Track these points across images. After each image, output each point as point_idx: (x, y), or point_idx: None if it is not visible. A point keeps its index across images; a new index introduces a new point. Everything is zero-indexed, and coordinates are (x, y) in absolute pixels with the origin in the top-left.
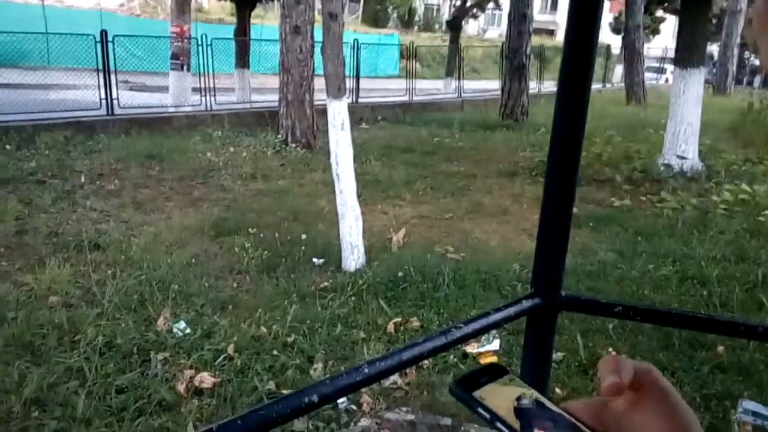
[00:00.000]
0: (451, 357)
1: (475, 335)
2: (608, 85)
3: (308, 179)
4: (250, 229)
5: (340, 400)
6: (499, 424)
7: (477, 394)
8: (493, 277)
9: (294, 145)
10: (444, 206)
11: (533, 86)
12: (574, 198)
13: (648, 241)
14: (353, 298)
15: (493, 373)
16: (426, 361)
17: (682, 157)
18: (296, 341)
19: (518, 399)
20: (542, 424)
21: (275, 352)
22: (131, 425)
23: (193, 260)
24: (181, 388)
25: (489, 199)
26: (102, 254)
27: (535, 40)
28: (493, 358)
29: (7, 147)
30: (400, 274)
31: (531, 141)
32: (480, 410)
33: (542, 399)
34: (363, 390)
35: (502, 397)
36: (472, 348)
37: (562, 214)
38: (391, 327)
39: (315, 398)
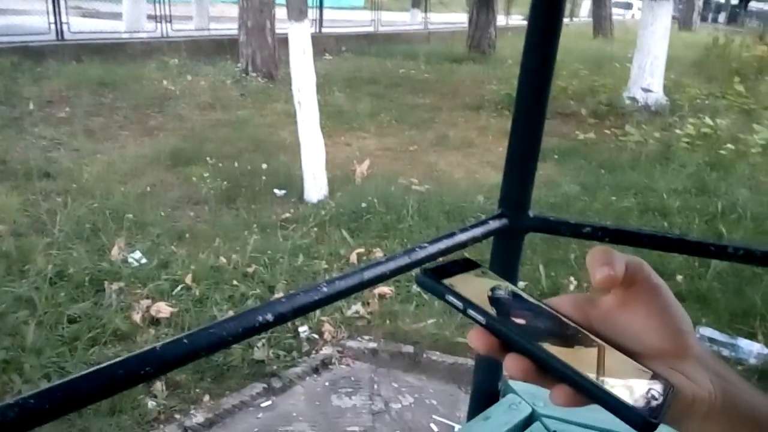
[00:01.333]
0: (414, 286)
1: (440, 255)
2: (575, 20)
3: (269, 109)
4: (208, 159)
5: (301, 329)
6: (471, 311)
7: (447, 281)
8: (458, 209)
9: (254, 75)
10: (408, 138)
11: (501, 19)
12: (545, 118)
13: (611, 173)
14: (315, 229)
15: (465, 266)
16: (388, 290)
17: (648, 90)
18: (257, 272)
19: (493, 290)
20: (520, 313)
21: (235, 282)
22: (84, 354)
23: (149, 190)
24: (137, 317)
25: (454, 132)
26: (52, 183)
27: None
28: None
29: None
30: (363, 205)
31: (498, 74)
32: (450, 297)
33: (519, 291)
34: (324, 318)
35: (474, 287)
36: None
37: (532, 134)
38: (353, 257)
39: (270, 317)
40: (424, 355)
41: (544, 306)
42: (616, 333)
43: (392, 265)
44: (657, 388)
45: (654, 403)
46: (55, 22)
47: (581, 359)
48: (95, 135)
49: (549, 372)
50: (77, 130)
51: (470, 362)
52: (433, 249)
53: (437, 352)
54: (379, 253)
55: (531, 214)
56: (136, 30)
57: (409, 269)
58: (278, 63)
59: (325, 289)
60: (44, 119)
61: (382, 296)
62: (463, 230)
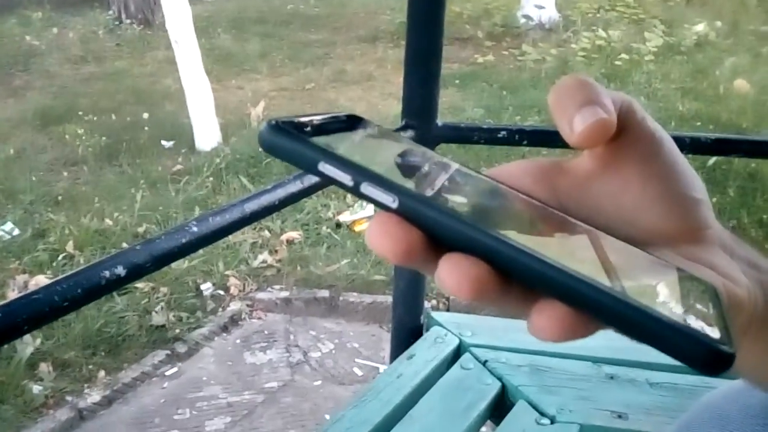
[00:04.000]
0: (324, 228)
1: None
2: None
3: (149, 58)
4: (82, 116)
5: (204, 286)
6: (372, 187)
7: (319, 141)
8: None
9: (129, 22)
10: (304, 77)
11: None
12: (444, 17)
13: (513, 94)
14: (211, 178)
15: (348, 123)
16: (297, 235)
17: (540, 7)
18: (148, 230)
19: (403, 155)
20: (453, 188)
21: (125, 245)
22: None
23: (16, 154)
24: (12, 294)
25: (351, 66)
26: None
27: None
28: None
29: None
30: (259, 150)
31: (391, 4)
32: (327, 165)
33: (443, 158)
34: (229, 273)
35: (370, 151)
36: (345, 217)
37: (432, 30)
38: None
39: (121, 270)
40: (341, 298)
41: (486, 179)
42: (599, 212)
43: (281, 192)
44: (695, 291)
45: (704, 319)
46: None
47: (571, 256)
48: None
49: (523, 281)
50: None
51: (390, 299)
52: None
53: (354, 293)
54: None
55: (439, 123)
56: None
57: (303, 196)
58: (154, 8)
59: (195, 229)
60: None
61: (290, 242)
62: None
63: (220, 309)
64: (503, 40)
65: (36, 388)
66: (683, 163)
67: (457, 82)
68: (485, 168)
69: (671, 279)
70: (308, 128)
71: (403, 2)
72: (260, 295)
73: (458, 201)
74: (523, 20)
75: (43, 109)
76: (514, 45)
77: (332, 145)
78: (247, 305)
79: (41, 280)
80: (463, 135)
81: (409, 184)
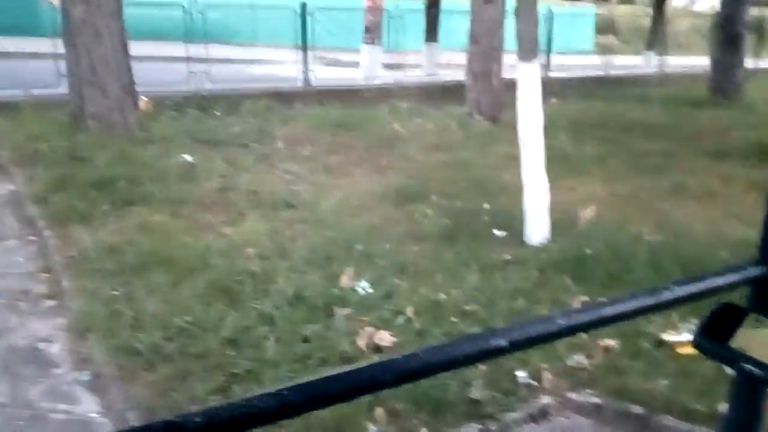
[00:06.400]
0: (643, 342)
1: (687, 300)
2: None
3: (492, 152)
4: (433, 197)
5: (519, 373)
6: None
7: (735, 344)
8: (696, 263)
9: (479, 118)
10: (639, 185)
11: (749, 61)
12: None
13: None
14: (535, 272)
15: (734, 314)
16: (614, 343)
17: None
18: (475, 310)
19: None
20: None
21: (453, 319)
22: (314, 372)
23: (376, 224)
24: (361, 343)
25: (693, 180)
26: (294, 213)
27: (754, 11)
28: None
29: (217, 113)
30: (587, 251)
31: (746, 120)
32: (748, 367)
33: None
34: (544, 366)
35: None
36: (669, 336)
37: None
38: (577, 304)
39: (503, 342)
40: (656, 419)
41: None
42: None
43: (634, 304)
44: None
45: None
46: (304, 71)
47: None
48: (332, 171)
49: None
50: (317, 167)
51: None
52: (680, 292)
53: (671, 417)
54: None
55: None
56: (371, 77)
57: (652, 311)
58: (502, 107)
59: (560, 321)
60: (290, 156)
61: (606, 349)
62: (715, 275)
63: (532, 398)
64: None
65: (372, 428)
66: None
67: None
68: None
69: None
70: (719, 328)
71: (761, 120)
72: (571, 395)
73: None
74: None
75: (400, 187)
76: None
77: (741, 345)
78: (558, 401)
79: (385, 336)
80: None
81: None
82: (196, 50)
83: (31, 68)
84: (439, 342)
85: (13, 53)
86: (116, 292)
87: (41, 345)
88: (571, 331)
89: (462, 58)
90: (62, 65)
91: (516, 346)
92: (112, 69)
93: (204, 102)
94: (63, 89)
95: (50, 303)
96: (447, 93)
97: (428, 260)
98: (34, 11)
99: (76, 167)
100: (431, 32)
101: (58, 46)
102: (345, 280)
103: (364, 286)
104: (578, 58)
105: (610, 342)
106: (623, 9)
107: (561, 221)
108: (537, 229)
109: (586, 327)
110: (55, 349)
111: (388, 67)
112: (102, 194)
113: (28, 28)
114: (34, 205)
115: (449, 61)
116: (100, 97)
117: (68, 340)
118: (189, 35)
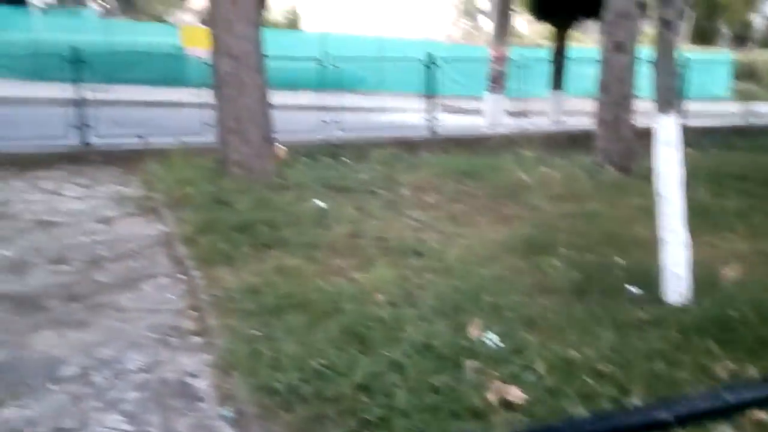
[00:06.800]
0: None
1: None
2: None
3: (622, 204)
4: (561, 249)
5: None
6: None
7: None
8: None
9: (609, 168)
10: None
11: None
12: None
13: None
14: (676, 334)
15: None
16: (765, 417)
17: None
18: (611, 371)
19: None
20: None
21: (586, 379)
22: (445, 425)
23: (503, 274)
24: (491, 398)
25: None
26: (420, 260)
27: None
28: None
29: (346, 161)
30: (732, 314)
31: None
32: None
33: None
34: None
35: None
36: None
37: None
38: (722, 372)
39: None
40: None
41: None
42: None
43: None
44: None
45: None
46: (429, 119)
47: None
48: (457, 219)
49: None
50: (442, 215)
51: None
52: None
53: None
54: (752, 372)
55: None
56: (496, 125)
57: None
58: (633, 156)
59: (727, 397)
60: (416, 203)
61: (759, 423)
62: None
63: None
64: None
65: None
66: None
67: None
68: None
69: None
70: None
71: None
72: None
73: None
74: None
75: (527, 238)
76: None
77: None
78: None
79: (515, 392)
80: None
81: None
82: (328, 100)
83: (178, 117)
84: (602, 412)
85: (163, 102)
86: (257, 332)
87: (189, 380)
88: (740, 407)
89: (588, 105)
90: (206, 114)
91: (681, 421)
92: (254, 119)
93: (335, 150)
94: (206, 137)
95: (197, 339)
96: (573, 141)
97: (558, 315)
98: (181, 64)
99: (220, 211)
100: (557, 80)
101: (203, 96)
102: (473, 331)
103: (492, 339)
104: (714, 105)
105: (762, 415)
106: (765, 54)
107: (702, 280)
108: (676, 287)
109: (759, 403)
110: (201, 384)
111: (513, 114)
112: (243, 237)
113: (175, 79)
114: (183, 246)
115: (575, 108)
116: (243, 145)
117: (213, 376)
118: (321, 85)
